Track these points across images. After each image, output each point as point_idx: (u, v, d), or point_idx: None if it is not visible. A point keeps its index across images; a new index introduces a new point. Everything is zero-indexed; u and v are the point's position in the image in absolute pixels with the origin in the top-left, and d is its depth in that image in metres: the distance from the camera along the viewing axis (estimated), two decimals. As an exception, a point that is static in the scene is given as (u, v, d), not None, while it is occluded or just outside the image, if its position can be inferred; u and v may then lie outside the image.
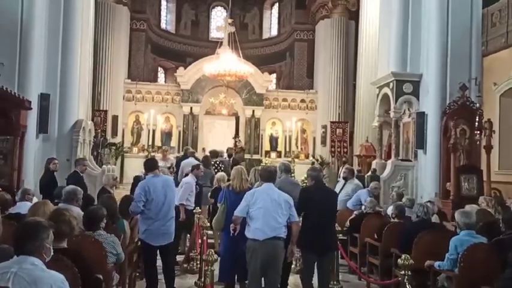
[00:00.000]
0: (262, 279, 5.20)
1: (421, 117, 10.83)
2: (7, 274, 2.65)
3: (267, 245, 5.03)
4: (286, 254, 5.25)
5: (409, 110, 11.47)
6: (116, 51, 18.23)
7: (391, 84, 11.42)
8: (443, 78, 10.58)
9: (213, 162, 10.95)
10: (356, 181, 9.44)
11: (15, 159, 9.29)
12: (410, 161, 11.16)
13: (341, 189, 9.24)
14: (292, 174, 8.26)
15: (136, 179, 8.77)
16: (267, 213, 5.05)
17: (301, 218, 5.51)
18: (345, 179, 9.35)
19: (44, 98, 10.36)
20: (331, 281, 6.37)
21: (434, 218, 7.16)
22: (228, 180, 6.90)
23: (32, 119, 10.02)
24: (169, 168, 11.29)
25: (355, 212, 8.41)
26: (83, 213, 5.10)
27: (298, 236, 5.26)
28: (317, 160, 18.57)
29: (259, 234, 5.04)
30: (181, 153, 13.26)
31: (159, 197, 5.75)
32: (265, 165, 7.44)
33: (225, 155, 13.09)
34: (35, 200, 6.25)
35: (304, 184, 8.35)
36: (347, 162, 15.98)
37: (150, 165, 6.02)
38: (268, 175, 5.39)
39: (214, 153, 11.81)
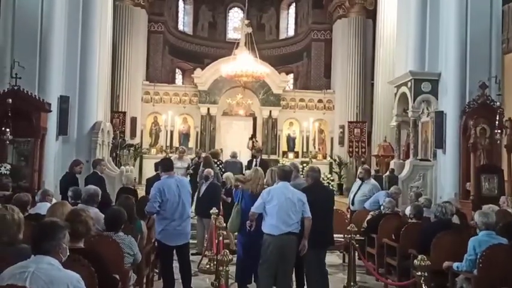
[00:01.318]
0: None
1: (440, 116, 10.70)
2: (24, 274, 2.70)
3: (281, 240, 5.37)
4: (298, 247, 5.50)
5: (427, 109, 11.35)
6: (134, 53, 18.42)
7: (409, 83, 11.31)
8: (463, 77, 10.43)
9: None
10: (373, 181, 9.37)
11: (35, 160, 9.48)
12: (429, 160, 11.03)
13: (357, 190, 9.18)
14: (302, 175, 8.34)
15: (149, 182, 8.83)
16: (281, 210, 5.37)
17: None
18: (362, 179, 9.29)
19: (63, 101, 10.52)
20: (350, 282, 6.40)
21: (455, 219, 7.06)
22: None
23: (52, 121, 10.19)
24: (187, 169, 11.30)
25: (371, 213, 8.35)
26: (100, 213, 5.19)
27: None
28: (335, 160, 18.50)
29: (274, 229, 5.39)
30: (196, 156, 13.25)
31: (174, 197, 5.79)
32: (282, 164, 7.56)
33: (237, 156, 13.08)
34: (54, 201, 6.34)
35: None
36: (365, 163, 15.87)
37: (165, 166, 6.06)
38: (284, 174, 5.67)
39: (215, 154, 11.86)
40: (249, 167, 11.72)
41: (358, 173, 9.95)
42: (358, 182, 9.47)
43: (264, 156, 17.59)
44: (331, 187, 16.50)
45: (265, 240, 5.47)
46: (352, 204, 9.14)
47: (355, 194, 9.18)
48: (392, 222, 7.28)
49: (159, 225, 5.85)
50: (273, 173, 6.18)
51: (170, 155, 15.52)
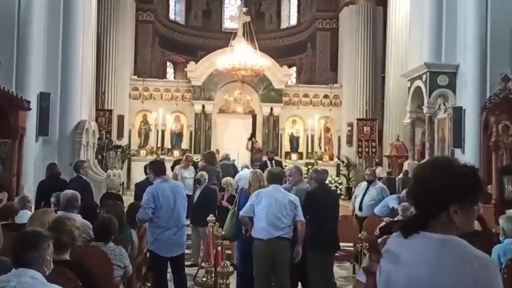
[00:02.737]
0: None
1: (458, 112, 10.71)
2: (5, 288, 2.69)
3: (271, 245, 5.47)
4: (293, 254, 5.60)
5: (444, 104, 11.36)
6: (120, 46, 18.41)
7: (424, 76, 11.32)
8: (483, 69, 10.43)
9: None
10: (380, 184, 9.41)
11: (13, 164, 9.43)
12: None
13: (364, 194, 9.18)
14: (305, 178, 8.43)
15: (139, 187, 8.81)
16: (270, 212, 5.49)
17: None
18: (369, 182, 9.31)
19: (43, 98, 10.51)
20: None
21: (475, 225, 7.04)
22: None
23: (31, 120, 10.17)
24: (198, 181, 10.41)
25: (385, 220, 8.34)
26: (85, 221, 5.18)
27: (305, 239, 5.64)
28: (342, 162, 18.51)
29: (263, 233, 5.51)
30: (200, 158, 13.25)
31: (169, 203, 5.78)
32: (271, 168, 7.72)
33: (230, 158, 13.11)
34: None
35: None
36: (379, 164, 15.88)
37: (158, 169, 6.05)
38: (274, 177, 5.82)
39: (211, 158, 11.78)
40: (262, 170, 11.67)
41: (365, 174, 9.97)
42: (363, 185, 9.50)
43: (265, 158, 17.60)
44: (338, 191, 16.53)
45: (255, 247, 5.58)
46: (360, 209, 9.14)
47: (363, 198, 9.18)
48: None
49: (152, 234, 5.84)
50: (256, 177, 6.27)
51: (162, 157, 15.55)
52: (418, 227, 1.80)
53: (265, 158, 13.24)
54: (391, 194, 9.14)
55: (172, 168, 11.65)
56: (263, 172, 6.31)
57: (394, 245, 1.84)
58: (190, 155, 13.33)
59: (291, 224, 5.61)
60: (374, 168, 11.55)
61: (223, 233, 6.77)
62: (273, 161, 12.68)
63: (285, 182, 6.73)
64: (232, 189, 8.86)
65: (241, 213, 5.72)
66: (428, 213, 1.80)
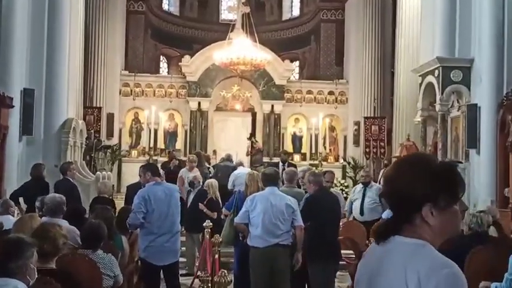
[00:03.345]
0: None
1: (473, 110, 10.69)
2: (-14, 300, 2.70)
3: (268, 253, 5.48)
4: (292, 262, 5.64)
5: (458, 101, 11.35)
6: (110, 38, 18.41)
7: (436, 71, 11.31)
8: (499, 63, 10.41)
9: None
10: (376, 185, 9.55)
11: (-5, 165, 9.44)
12: (461, 162, 11.03)
13: (363, 197, 9.23)
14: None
15: (131, 189, 8.81)
16: (266, 219, 5.49)
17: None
18: (366, 184, 9.39)
19: (27, 94, 10.49)
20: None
21: (492, 231, 7.05)
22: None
23: (14, 118, 10.16)
24: (191, 184, 10.20)
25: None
26: (71, 227, 5.18)
27: (306, 247, 5.67)
28: (349, 163, 18.51)
29: (259, 241, 5.52)
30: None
31: (162, 207, 5.79)
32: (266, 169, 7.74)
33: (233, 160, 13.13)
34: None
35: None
36: (388, 166, 15.88)
37: (153, 170, 6.06)
38: (269, 178, 5.82)
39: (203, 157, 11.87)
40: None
41: (360, 177, 10.12)
42: (359, 187, 9.59)
43: (265, 159, 17.61)
44: (344, 194, 16.51)
45: (251, 256, 5.60)
46: (361, 213, 9.19)
47: (362, 201, 9.24)
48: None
49: (144, 241, 5.85)
50: (252, 178, 6.35)
51: (155, 158, 15.55)
52: (391, 231, 1.77)
53: (277, 159, 13.26)
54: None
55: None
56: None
57: (368, 251, 1.87)
58: (175, 151, 13.40)
59: (290, 230, 5.62)
60: (368, 169, 11.64)
61: (220, 239, 6.79)
62: (286, 164, 12.59)
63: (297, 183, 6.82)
64: (213, 192, 8.75)
65: (235, 220, 5.75)
66: (400, 216, 1.78)
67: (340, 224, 7.36)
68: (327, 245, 5.82)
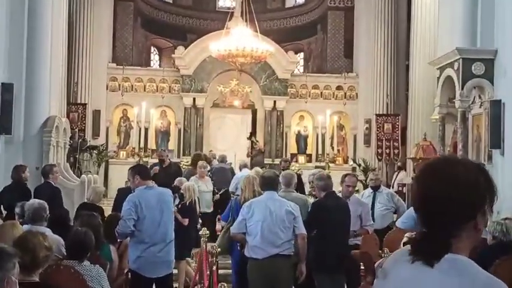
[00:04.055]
0: None
1: (497, 106, 10.67)
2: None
3: (268, 265, 5.49)
4: (295, 273, 5.67)
5: (480, 97, 11.33)
6: (96, 28, 18.41)
7: (456, 64, 11.30)
8: (526, 55, 10.42)
9: None
10: (386, 189, 9.54)
11: (-30, 168, 9.44)
12: (483, 164, 11.02)
13: (373, 202, 9.23)
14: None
15: (122, 193, 8.81)
16: (265, 227, 5.51)
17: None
18: (375, 188, 9.38)
19: (6, 89, 10.48)
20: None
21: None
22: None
23: (-9, 116, 10.17)
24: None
25: (406, 235, 8.32)
26: (55, 236, 5.18)
27: (312, 258, 5.70)
28: (359, 165, 18.49)
29: (258, 252, 5.53)
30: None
31: (154, 214, 5.79)
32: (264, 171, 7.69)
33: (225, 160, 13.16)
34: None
35: None
36: (403, 168, 15.86)
37: (143, 173, 6.05)
38: (268, 182, 5.84)
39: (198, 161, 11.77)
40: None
41: (369, 180, 10.09)
42: (367, 192, 9.59)
43: (268, 161, 17.62)
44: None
45: (249, 268, 5.62)
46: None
47: (372, 207, 9.23)
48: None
49: (134, 251, 5.85)
50: (248, 181, 6.39)
51: (145, 159, 15.52)
52: (443, 249, 1.71)
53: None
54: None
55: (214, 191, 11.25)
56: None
57: (404, 275, 1.75)
58: (164, 150, 13.37)
59: (291, 239, 5.64)
60: (379, 172, 11.63)
61: (218, 249, 6.79)
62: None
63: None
64: (190, 196, 8.52)
65: (232, 230, 5.76)
66: (450, 230, 1.72)
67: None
68: (335, 256, 5.83)
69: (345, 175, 7.68)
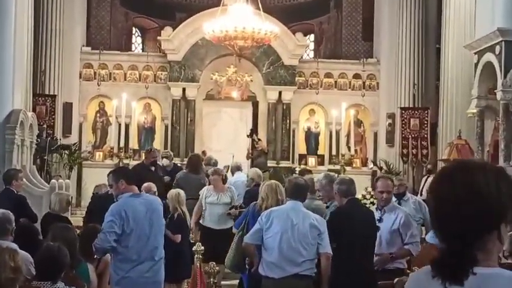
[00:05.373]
0: None
1: (546, 98, 10.69)
2: None
3: (285, 286, 5.56)
4: None
5: (526, 87, 11.33)
6: (67, 6, 18.36)
7: (497, 47, 11.31)
8: None
9: None
10: (414, 197, 9.54)
11: None
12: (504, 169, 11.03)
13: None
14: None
15: (97, 200, 8.76)
16: (285, 242, 5.57)
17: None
18: (399, 195, 9.37)
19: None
20: None
21: None
22: None
23: None
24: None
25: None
26: (23, 252, 5.17)
27: (331, 276, 5.70)
28: (380, 168, 18.47)
29: (274, 270, 5.59)
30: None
31: (143, 227, 5.77)
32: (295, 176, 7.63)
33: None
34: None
35: None
36: (433, 172, 15.80)
37: (127, 177, 6.03)
38: (295, 190, 5.90)
39: (194, 164, 11.70)
40: None
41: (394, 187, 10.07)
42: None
43: (272, 163, 17.59)
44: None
45: None
46: None
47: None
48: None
49: (118, 271, 5.83)
50: (271, 189, 6.38)
51: (126, 161, 15.51)
52: (468, 263, 1.78)
53: (286, 163, 13.23)
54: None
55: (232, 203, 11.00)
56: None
57: None
58: (155, 150, 13.24)
59: (314, 258, 5.67)
60: (404, 177, 11.59)
61: (217, 268, 6.79)
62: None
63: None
64: (173, 207, 8.43)
65: (245, 239, 5.81)
66: (476, 242, 1.80)
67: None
68: (357, 274, 5.81)
69: (377, 178, 7.55)
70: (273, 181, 6.92)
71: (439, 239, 1.86)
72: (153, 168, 11.79)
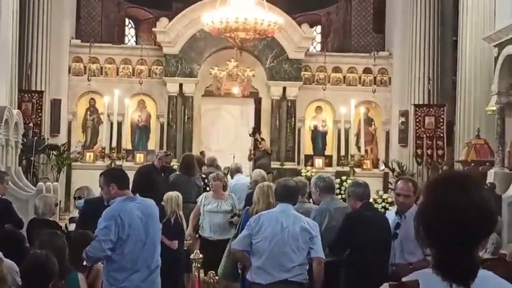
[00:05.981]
0: None
1: None
2: None
3: None
4: None
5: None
6: (56, -6, 18.42)
7: (519, 39, 11.30)
8: None
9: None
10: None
11: None
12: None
13: None
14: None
15: (90, 204, 8.75)
16: (274, 246, 5.65)
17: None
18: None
19: None
20: None
21: None
22: None
23: None
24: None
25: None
26: (9, 261, 5.17)
27: (343, 284, 5.84)
28: (393, 170, 18.48)
29: (262, 276, 5.67)
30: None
31: (138, 233, 5.76)
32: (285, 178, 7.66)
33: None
34: None
35: None
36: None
37: (119, 179, 6.03)
38: (285, 192, 5.98)
39: (189, 165, 11.67)
40: None
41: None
42: None
43: (276, 164, 17.59)
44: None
45: None
46: None
47: None
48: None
49: (112, 281, 5.82)
50: (262, 192, 6.50)
51: (118, 163, 15.52)
52: (477, 266, 2.09)
53: (291, 164, 13.21)
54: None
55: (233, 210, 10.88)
56: None
57: None
58: (167, 153, 13.09)
59: (305, 263, 5.74)
60: (416, 179, 11.49)
61: (216, 278, 6.79)
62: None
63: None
64: (172, 211, 8.38)
65: (233, 245, 5.90)
66: (477, 246, 2.10)
67: None
68: (374, 280, 5.80)
69: (397, 180, 7.22)
70: (265, 183, 7.01)
71: (430, 245, 2.10)
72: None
